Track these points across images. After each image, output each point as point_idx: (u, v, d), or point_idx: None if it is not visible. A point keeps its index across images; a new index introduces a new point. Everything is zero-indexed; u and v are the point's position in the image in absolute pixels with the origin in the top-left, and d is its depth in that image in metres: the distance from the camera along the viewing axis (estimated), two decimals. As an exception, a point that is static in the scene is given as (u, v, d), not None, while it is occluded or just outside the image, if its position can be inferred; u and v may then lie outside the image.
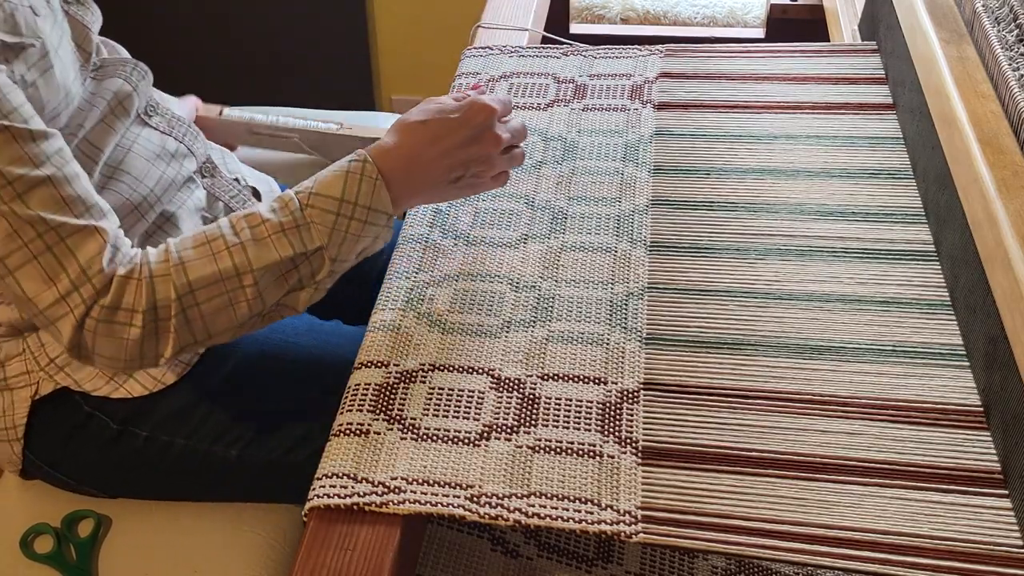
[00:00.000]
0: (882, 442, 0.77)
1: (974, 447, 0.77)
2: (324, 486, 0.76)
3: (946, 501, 0.73)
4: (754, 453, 0.77)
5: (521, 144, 0.93)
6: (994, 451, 0.76)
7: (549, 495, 0.74)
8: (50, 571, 0.99)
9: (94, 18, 0.99)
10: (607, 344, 0.87)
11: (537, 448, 0.78)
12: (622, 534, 0.72)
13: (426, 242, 0.98)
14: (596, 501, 0.74)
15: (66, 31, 0.93)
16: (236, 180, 1.12)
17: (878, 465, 0.76)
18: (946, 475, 0.75)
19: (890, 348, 0.85)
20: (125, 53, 1.05)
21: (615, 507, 0.73)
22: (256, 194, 1.15)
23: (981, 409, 0.79)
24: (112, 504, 1.03)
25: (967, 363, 0.83)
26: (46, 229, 0.76)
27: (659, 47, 1.26)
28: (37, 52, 0.86)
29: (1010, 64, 0.90)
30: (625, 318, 0.89)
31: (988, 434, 0.77)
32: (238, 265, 0.80)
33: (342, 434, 0.80)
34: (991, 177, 0.81)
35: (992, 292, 0.78)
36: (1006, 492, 0.73)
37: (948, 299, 0.88)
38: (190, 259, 0.80)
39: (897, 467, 0.75)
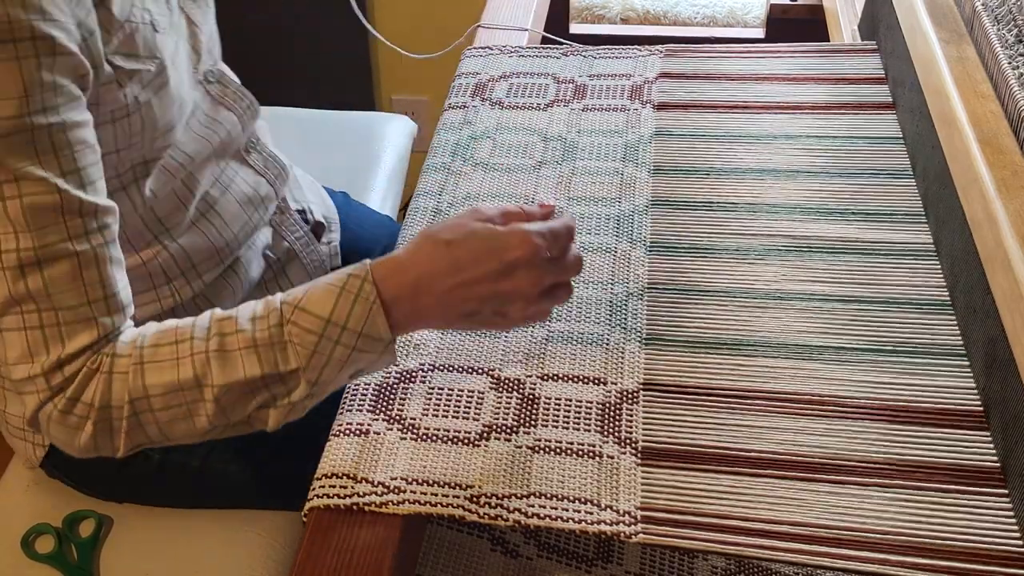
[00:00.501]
0: (881, 441, 0.77)
1: (973, 446, 0.77)
2: (324, 486, 0.76)
3: (945, 500, 0.73)
4: (753, 453, 0.77)
5: (572, 278, 0.80)
6: (993, 450, 0.76)
7: (549, 495, 0.74)
8: (51, 571, 0.99)
9: (205, 17, 0.96)
10: (607, 344, 0.87)
11: (537, 448, 0.78)
12: (622, 534, 0.72)
13: (426, 242, 0.98)
14: (596, 501, 0.74)
15: (182, 33, 0.91)
16: (302, 213, 1.10)
17: (877, 465, 0.76)
18: (945, 474, 0.75)
19: (889, 348, 0.85)
20: (235, 78, 1.03)
21: (615, 507, 0.73)
22: (318, 231, 1.12)
23: (981, 409, 0.79)
24: (114, 504, 1.04)
25: (967, 362, 0.83)
26: (49, 308, 0.72)
27: (659, 47, 1.26)
28: (153, 71, 0.82)
29: (1010, 63, 0.90)
30: (625, 318, 0.89)
31: (988, 434, 0.77)
32: (199, 377, 0.73)
33: (342, 434, 0.80)
34: (991, 177, 0.81)
35: (992, 292, 0.78)
36: (1006, 491, 0.73)
37: (948, 299, 0.89)
38: (151, 360, 0.73)
39: (896, 467, 0.76)
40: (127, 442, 0.75)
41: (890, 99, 1.13)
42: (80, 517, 1.02)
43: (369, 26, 1.47)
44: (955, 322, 0.86)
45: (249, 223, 1.00)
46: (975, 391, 0.81)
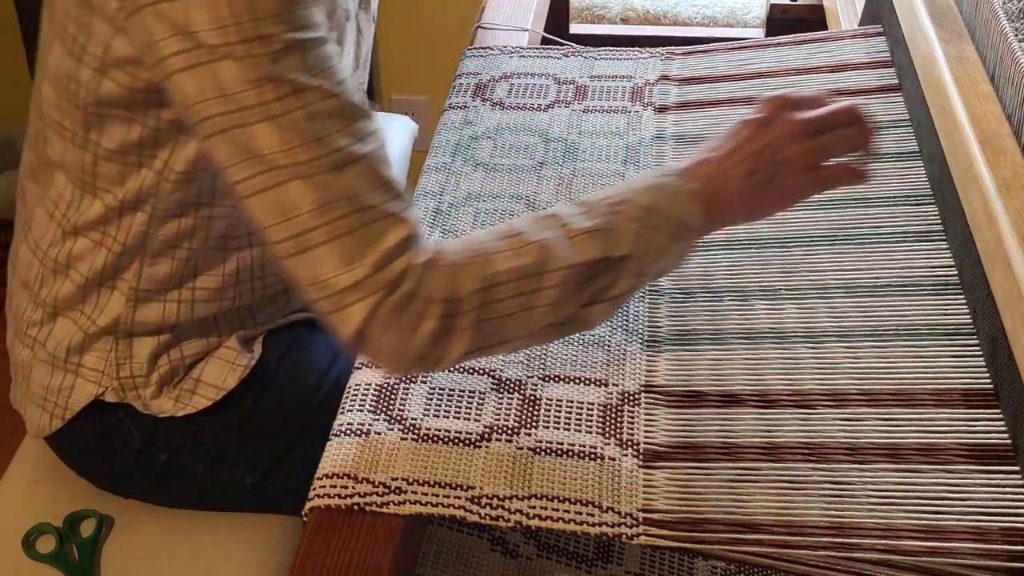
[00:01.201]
0: (887, 427, 0.77)
1: (984, 425, 0.77)
2: (324, 486, 0.76)
3: (952, 481, 0.73)
4: (756, 452, 0.77)
5: (842, 129, 0.81)
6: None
7: (550, 497, 0.74)
8: (52, 571, 0.99)
9: (369, 31, 0.96)
10: (608, 346, 0.87)
11: (538, 450, 0.78)
12: (623, 536, 0.72)
13: (427, 243, 0.98)
14: (597, 503, 0.74)
15: (352, 39, 0.91)
16: None
17: (883, 451, 0.76)
18: (956, 454, 0.75)
19: (900, 331, 0.84)
20: None
21: (616, 509, 0.74)
22: None
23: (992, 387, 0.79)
24: (115, 504, 1.04)
25: (976, 340, 0.83)
26: (354, 209, 0.70)
27: (660, 49, 1.26)
28: (340, 20, 0.84)
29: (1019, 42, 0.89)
30: (626, 320, 0.89)
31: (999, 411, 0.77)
32: (542, 262, 0.73)
33: (342, 434, 0.80)
34: (991, 177, 0.81)
35: (992, 292, 0.78)
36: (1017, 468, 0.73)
37: (957, 279, 0.88)
38: (493, 251, 0.74)
39: (905, 451, 0.75)
40: (462, 343, 0.73)
41: (896, 81, 1.12)
42: (81, 517, 1.02)
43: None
44: (964, 301, 0.86)
45: None
46: (986, 369, 0.80)
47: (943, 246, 0.92)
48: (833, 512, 0.72)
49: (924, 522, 0.71)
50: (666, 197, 0.77)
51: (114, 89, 0.81)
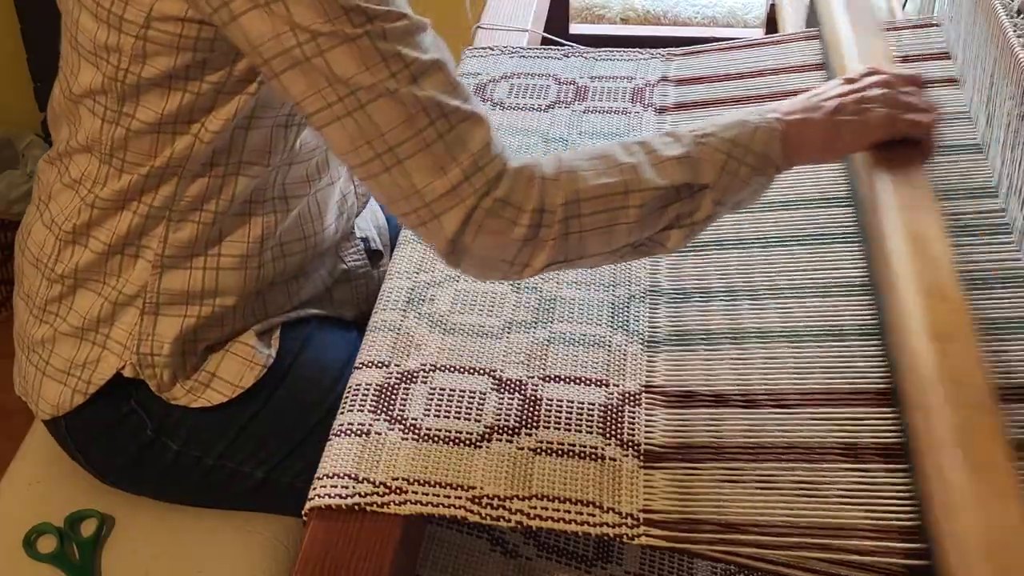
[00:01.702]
0: (889, 424, 0.77)
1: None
2: (325, 486, 0.76)
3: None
4: (757, 452, 0.77)
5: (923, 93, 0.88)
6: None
7: (551, 497, 0.75)
8: (53, 570, 0.99)
9: None
10: (609, 346, 0.87)
11: (539, 450, 0.78)
12: (624, 537, 0.72)
13: (427, 243, 0.98)
14: (598, 504, 0.74)
15: None
16: (364, 241, 1.11)
17: (886, 451, 0.76)
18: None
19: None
20: None
21: (617, 510, 0.74)
22: (375, 259, 1.13)
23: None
24: (115, 504, 1.04)
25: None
26: (439, 115, 0.73)
27: (661, 50, 1.26)
28: None
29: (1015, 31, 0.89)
30: (627, 320, 0.89)
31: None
32: (628, 183, 0.76)
33: (343, 434, 0.80)
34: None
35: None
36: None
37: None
38: (582, 169, 0.77)
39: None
40: (546, 253, 0.76)
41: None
42: (82, 517, 1.02)
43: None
44: None
45: (331, 228, 1.02)
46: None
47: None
48: (833, 516, 0.72)
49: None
50: (750, 132, 0.80)
51: (160, 51, 0.82)
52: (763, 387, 0.82)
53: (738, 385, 0.82)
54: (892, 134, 0.84)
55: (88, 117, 0.88)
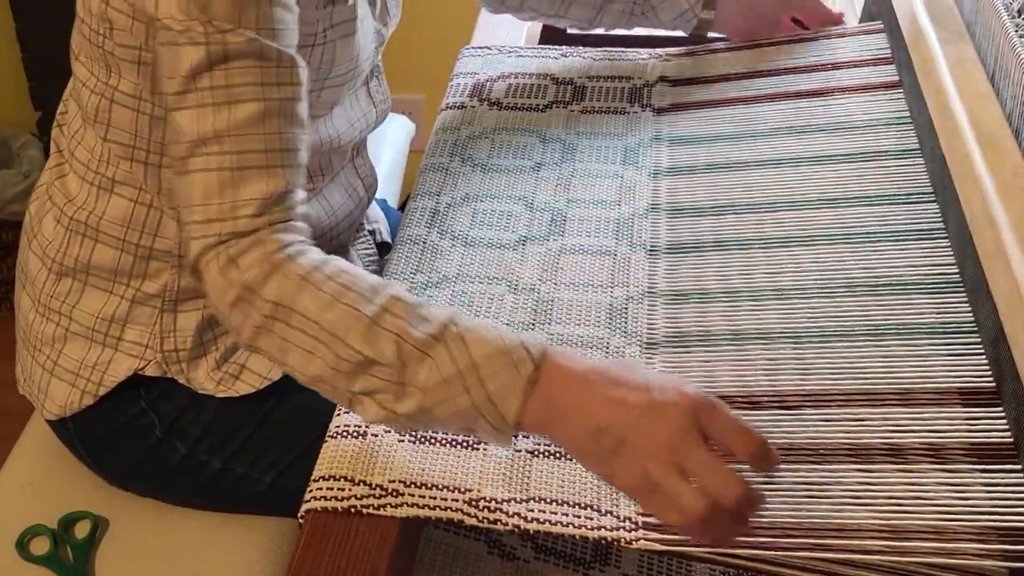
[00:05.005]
0: (888, 426, 0.77)
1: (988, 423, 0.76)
2: (321, 488, 0.75)
3: (954, 480, 0.72)
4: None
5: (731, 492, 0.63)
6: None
7: (548, 500, 0.74)
8: (46, 572, 0.98)
9: (398, 8, 1.00)
10: (607, 348, 0.86)
11: (536, 452, 0.78)
12: (622, 540, 0.71)
13: (424, 243, 0.97)
14: (596, 506, 0.74)
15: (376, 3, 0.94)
16: (372, 234, 1.12)
17: (883, 450, 0.75)
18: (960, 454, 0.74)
19: (899, 330, 0.84)
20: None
21: (615, 513, 0.73)
22: (382, 251, 1.13)
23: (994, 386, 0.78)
24: (109, 506, 1.03)
25: (979, 339, 0.82)
26: (234, 150, 0.73)
27: (659, 50, 1.25)
28: (347, 12, 0.86)
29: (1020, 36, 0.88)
30: (625, 322, 0.89)
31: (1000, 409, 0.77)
32: (342, 329, 0.71)
33: (339, 436, 0.79)
34: (991, 179, 0.81)
35: (992, 295, 0.78)
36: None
37: (959, 277, 0.88)
38: (316, 287, 0.72)
39: (905, 450, 0.75)
40: (251, 336, 0.74)
41: (896, 77, 1.11)
42: (75, 518, 1.02)
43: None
44: (966, 300, 0.86)
45: (343, 223, 1.03)
46: (988, 367, 0.80)
47: (944, 244, 0.91)
48: (835, 517, 0.72)
49: (932, 519, 0.70)
50: (500, 367, 0.68)
51: (120, 18, 0.82)
52: (764, 388, 0.82)
53: (738, 387, 0.82)
54: (640, 499, 0.67)
55: (84, 92, 0.89)
